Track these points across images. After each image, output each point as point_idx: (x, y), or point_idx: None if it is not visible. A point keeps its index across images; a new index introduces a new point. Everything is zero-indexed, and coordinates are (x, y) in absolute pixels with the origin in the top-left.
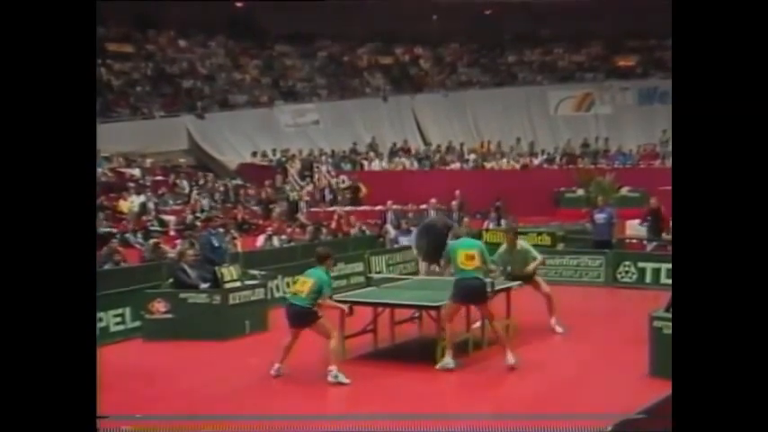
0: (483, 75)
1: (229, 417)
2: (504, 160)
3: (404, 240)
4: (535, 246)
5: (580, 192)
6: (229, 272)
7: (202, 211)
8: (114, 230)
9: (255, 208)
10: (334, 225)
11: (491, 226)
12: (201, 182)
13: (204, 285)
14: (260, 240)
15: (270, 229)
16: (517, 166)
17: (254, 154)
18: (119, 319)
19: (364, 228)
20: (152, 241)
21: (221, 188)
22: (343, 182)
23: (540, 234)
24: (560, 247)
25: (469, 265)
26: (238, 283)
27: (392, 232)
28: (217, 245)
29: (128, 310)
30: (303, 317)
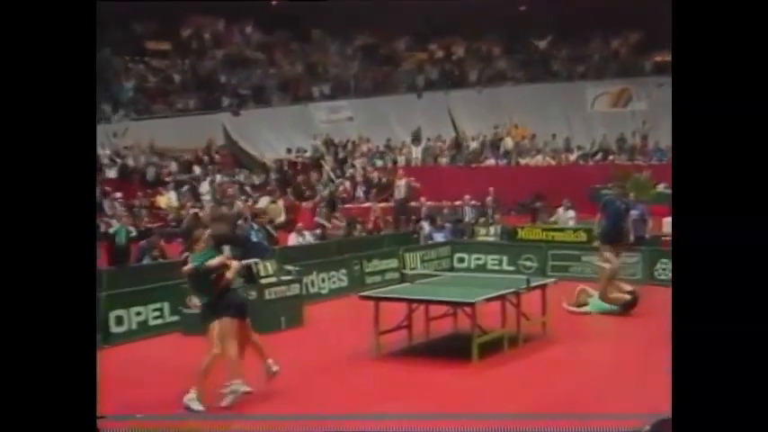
0: (518, 70)
1: (236, 417)
2: (540, 156)
3: (438, 237)
4: (571, 243)
5: (616, 188)
6: (265, 267)
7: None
8: (154, 226)
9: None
10: (371, 226)
11: (527, 223)
12: (236, 177)
13: (240, 281)
14: (292, 237)
15: (301, 224)
16: (552, 162)
17: (289, 150)
18: (158, 314)
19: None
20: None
21: (256, 184)
22: (378, 179)
23: (575, 231)
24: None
25: None
26: (274, 279)
27: (426, 229)
28: (255, 240)
29: (166, 305)
30: None
